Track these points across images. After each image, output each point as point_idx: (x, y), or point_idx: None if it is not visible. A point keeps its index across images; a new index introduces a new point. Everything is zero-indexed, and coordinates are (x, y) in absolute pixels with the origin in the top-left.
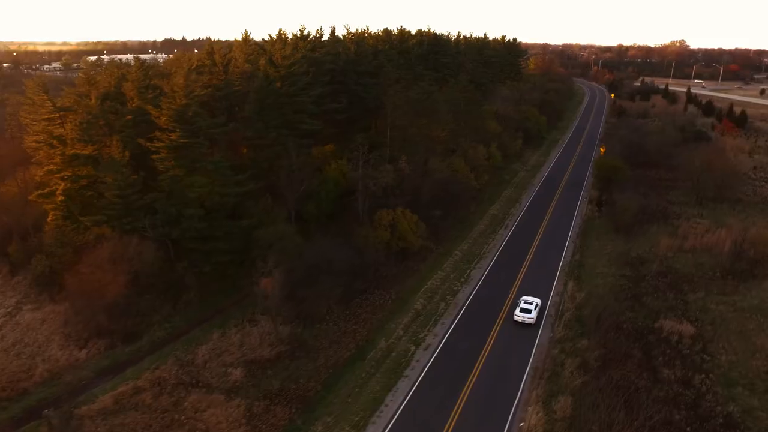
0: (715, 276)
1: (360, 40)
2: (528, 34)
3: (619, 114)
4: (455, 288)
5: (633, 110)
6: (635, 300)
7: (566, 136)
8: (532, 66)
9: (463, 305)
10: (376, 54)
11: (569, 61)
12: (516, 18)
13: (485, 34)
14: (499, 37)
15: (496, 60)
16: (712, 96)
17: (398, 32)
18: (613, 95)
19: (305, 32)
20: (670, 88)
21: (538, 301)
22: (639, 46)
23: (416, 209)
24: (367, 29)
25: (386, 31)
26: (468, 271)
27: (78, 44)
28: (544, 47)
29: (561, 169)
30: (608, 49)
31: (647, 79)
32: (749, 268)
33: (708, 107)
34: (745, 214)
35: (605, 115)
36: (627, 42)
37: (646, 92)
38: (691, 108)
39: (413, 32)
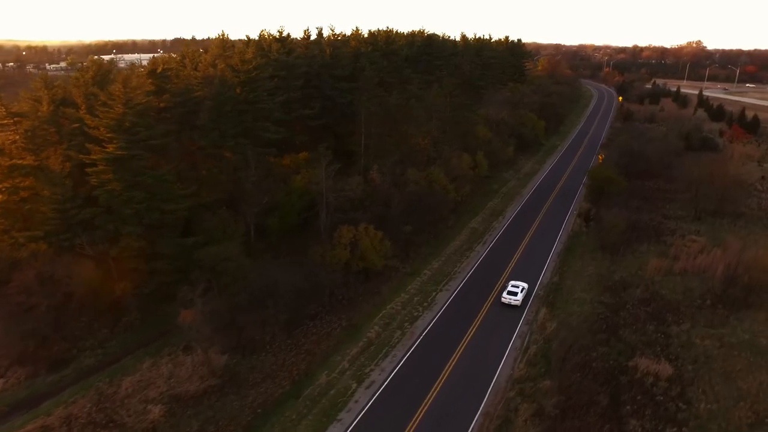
0: (704, 304)
1: (337, 43)
2: (542, 35)
3: (625, 118)
4: (416, 314)
5: (641, 114)
6: (611, 332)
7: (566, 142)
8: (540, 67)
9: (420, 334)
10: (358, 57)
11: (582, 62)
12: (530, 18)
13: (489, 35)
14: (506, 37)
15: (496, 61)
16: (726, 99)
17: (384, 33)
18: (621, 98)
19: (284, 34)
20: (683, 90)
21: (525, 285)
22: (654, 47)
23: (386, 224)
24: (357, 30)
25: (371, 33)
26: (434, 294)
27: (90, 43)
28: (557, 48)
29: (555, 177)
30: (622, 50)
31: (659, 81)
32: (743, 295)
33: (718, 111)
34: (747, 231)
35: (611, 119)
36: (643, 43)
37: (656, 95)
38: (702, 112)
39: (406, 33)
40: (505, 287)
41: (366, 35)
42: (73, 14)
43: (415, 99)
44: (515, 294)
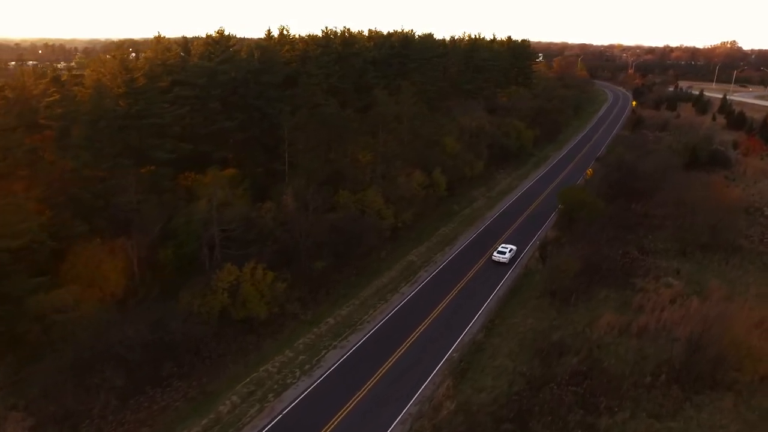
0: (657, 382)
1: (274, 46)
2: (569, 34)
3: (634, 125)
4: (289, 381)
5: (654, 121)
6: (519, 424)
7: (561, 153)
8: (554, 68)
9: (281, 413)
10: (305, 60)
11: (607, 63)
12: (557, 17)
13: (493, 35)
14: (508, 37)
15: (491, 63)
16: (755, 104)
17: (341, 34)
18: (634, 103)
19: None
20: (708, 94)
21: (514, 247)
22: (685, 48)
23: (295, 259)
24: (348, 29)
25: (324, 34)
26: (324, 352)
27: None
28: (584, 47)
29: (532, 196)
30: (651, 50)
31: (683, 84)
32: (710, 369)
33: (738, 118)
34: (741, 271)
35: (619, 127)
36: (676, 43)
37: (674, 99)
38: (722, 119)
39: (377, 33)
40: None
41: (320, 35)
42: (85, 12)
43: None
44: (504, 253)
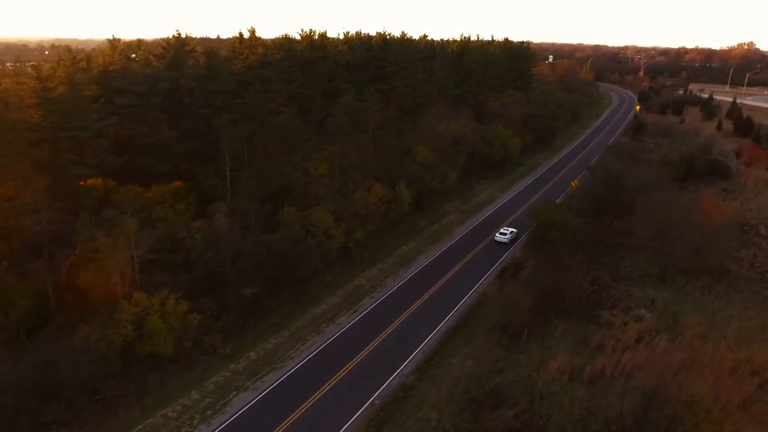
0: None
1: (212, 51)
2: (584, 36)
3: (634, 131)
4: (184, 430)
5: (657, 126)
6: None
7: (552, 161)
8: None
9: None
10: (264, 65)
11: (619, 66)
12: (570, 18)
13: (491, 37)
14: (505, 39)
15: (485, 67)
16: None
17: (306, 37)
18: (638, 107)
19: (182, 36)
20: (718, 97)
21: (515, 230)
22: (700, 49)
23: (222, 285)
24: (313, 32)
25: (286, 38)
26: (234, 394)
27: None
28: (596, 49)
29: (509, 210)
30: (665, 52)
31: (695, 87)
32: (667, 426)
33: (745, 125)
34: (725, 300)
35: (619, 133)
36: (691, 44)
37: (682, 104)
38: (729, 125)
39: (354, 35)
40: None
41: (281, 39)
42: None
43: (346, 115)
44: (505, 235)
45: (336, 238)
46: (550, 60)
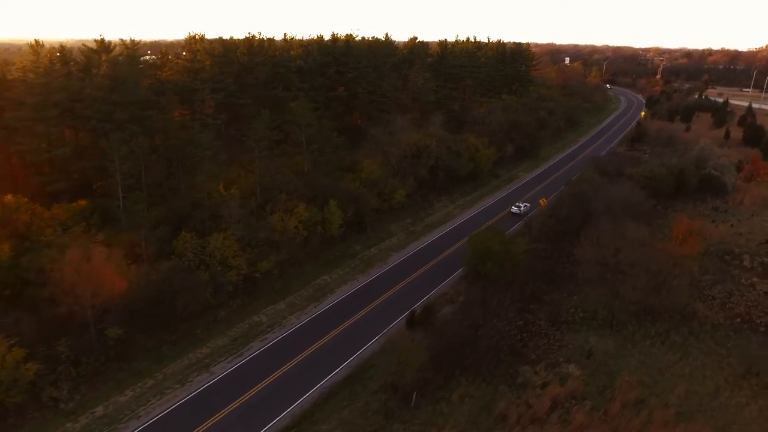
0: None
1: (116, 59)
2: (606, 37)
3: (632, 140)
4: None
5: (659, 135)
6: None
7: (533, 173)
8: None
9: None
10: (195, 71)
11: (637, 68)
12: (588, 20)
13: (488, 38)
14: (498, 41)
15: (472, 71)
16: None
17: (244, 41)
18: (643, 113)
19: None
20: (734, 102)
21: (528, 204)
22: (725, 50)
23: (82, 325)
24: (253, 36)
25: (221, 41)
26: None
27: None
28: (616, 51)
29: (465, 231)
30: (688, 54)
31: (714, 91)
32: None
33: (754, 133)
34: (680, 354)
35: (618, 141)
36: (717, 46)
37: (693, 109)
38: (739, 133)
39: (314, 38)
40: None
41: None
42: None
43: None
44: (519, 208)
45: (236, 268)
46: (566, 62)
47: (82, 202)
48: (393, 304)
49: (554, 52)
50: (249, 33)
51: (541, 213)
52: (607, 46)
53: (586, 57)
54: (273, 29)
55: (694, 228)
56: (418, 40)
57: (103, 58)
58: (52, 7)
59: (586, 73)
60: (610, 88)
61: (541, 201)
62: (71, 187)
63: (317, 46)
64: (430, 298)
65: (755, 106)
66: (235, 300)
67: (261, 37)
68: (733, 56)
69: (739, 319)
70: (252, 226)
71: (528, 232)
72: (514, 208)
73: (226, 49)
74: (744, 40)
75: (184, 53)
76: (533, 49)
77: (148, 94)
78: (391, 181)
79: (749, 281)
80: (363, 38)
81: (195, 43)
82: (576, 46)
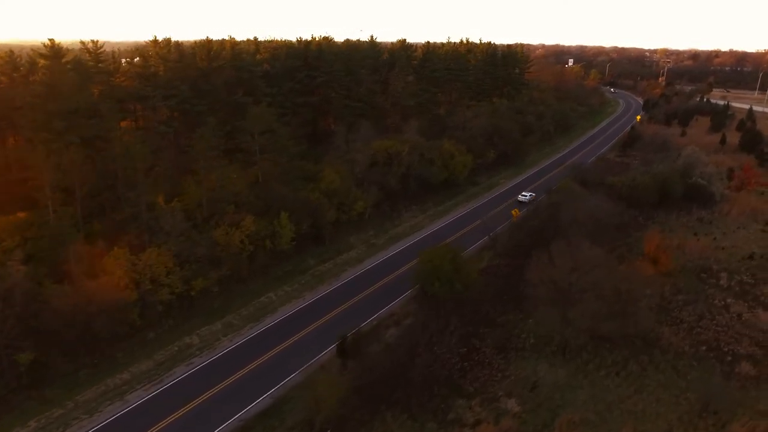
0: None
1: (50, 65)
2: (614, 38)
3: (624, 146)
4: None
5: (654, 140)
6: None
7: (514, 181)
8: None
9: None
10: (148, 78)
11: (642, 70)
12: (594, 21)
13: (480, 40)
14: (488, 43)
15: (459, 74)
16: None
17: (202, 45)
18: (639, 117)
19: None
20: (736, 105)
21: (534, 194)
22: (733, 52)
23: None
24: (210, 39)
25: (177, 45)
26: None
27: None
28: (621, 52)
29: (431, 243)
30: (695, 55)
31: (719, 93)
32: None
33: (751, 139)
34: (635, 387)
35: (609, 147)
36: (726, 47)
37: (692, 113)
38: (737, 138)
39: (280, 41)
40: None
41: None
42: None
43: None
44: (526, 196)
45: (170, 287)
46: (570, 64)
47: (21, 215)
48: (334, 325)
49: (558, 54)
50: (207, 36)
51: (513, 225)
52: (615, 47)
53: (591, 58)
54: (273, 31)
55: (668, 243)
56: (407, 42)
57: (41, 64)
58: (50, 7)
59: (586, 75)
60: (615, 92)
61: (513, 212)
62: (12, 199)
63: (286, 49)
64: (376, 319)
65: (759, 109)
66: (168, 320)
67: (223, 40)
68: (741, 58)
69: (705, 347)
70: (191, 241)
71: (493, 246)
72: (521, 197)
73: (182, 53)
74: (753, 42)
75: (136, 58)
76: (538, 51)
77: (93, 101)
78: (354, 191)
79: (723, 302)
80: (337, 41)
81: (151, 47)
82: (583, 47)
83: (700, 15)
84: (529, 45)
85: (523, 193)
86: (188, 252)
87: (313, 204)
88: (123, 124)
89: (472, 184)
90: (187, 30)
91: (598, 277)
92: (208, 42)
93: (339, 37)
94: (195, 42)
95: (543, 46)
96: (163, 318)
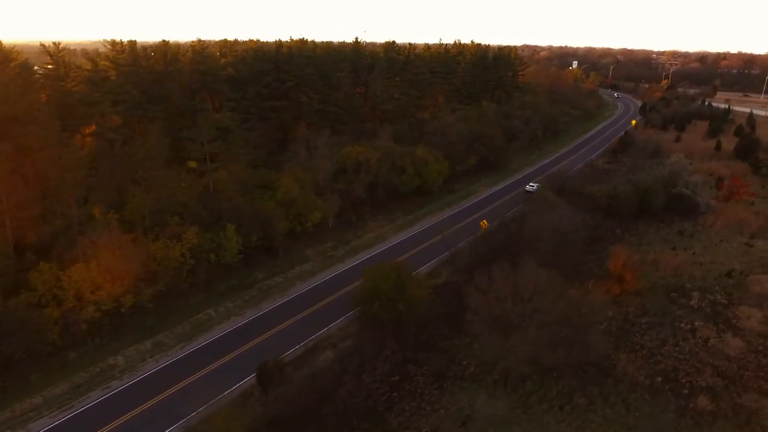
0: None
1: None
2: (618, 40)
3: (614, 152)
4: None
5: (647, 145)
6: None
7: (493, 189)
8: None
9: None
10: (97, 82)
11: (648, 72)
12: (607, 23)
13: (471, 41)
14: (477, 44)
15: (444, 77)
16: None
17: (158, 48)
18: (634, 122)
19: None
20: (740, 109)
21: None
22: (741, 54)
23: None
24: (166, 42)
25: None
26: None
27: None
28: (628, 54)
29: (392, 257)
30: (702, 57)
31: (724, 96)
32: None
33: (747, 145)
34: (578, 422)
35: (598, 154)
36: (735, 50)
37: (690, 117)
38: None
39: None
40: None
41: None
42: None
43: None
44: (533, 186)
45: (97, 304)
46: (574, 66)
47: None
48: (268, 347)
49: (563, 56)
50: (162, 39)
51: (478, 238)
52: (624, 49)
53: (596, 60)
54: (277, 33)
55: (643, 258)
56: (395, 44)
57: None
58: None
59: (586, 77)
60: (618, 96)
61: (482, 223)
62: None
63: (254, 52)
64: (314, 340)
65: (762, 113)
66: (94, 339)
67: (179, 43)
68: (749, 60)
69: (661, 378)
70: (125, 255)
71: (453, 261)
72: (528, 187)
73: (135, 56)
74: (762, 44)
75: (84, 62)
76: (542, 53)
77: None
78: (314, 200)
79: (690, 325)
80: (318, 42)
81: (109, 50)
82: (592, 49)
83: (711, 16)
84: (536, 47)
85: (531, 184)
86: (121, 266)
87: (265, 215)
88: (88, 130)
89: (448, 192)
90: (186, 31)
91: (541, 303)
92: (164, 44)
93: (345, 39)
94: (151, 45)
95: (550, 47)
96: (88, 337)
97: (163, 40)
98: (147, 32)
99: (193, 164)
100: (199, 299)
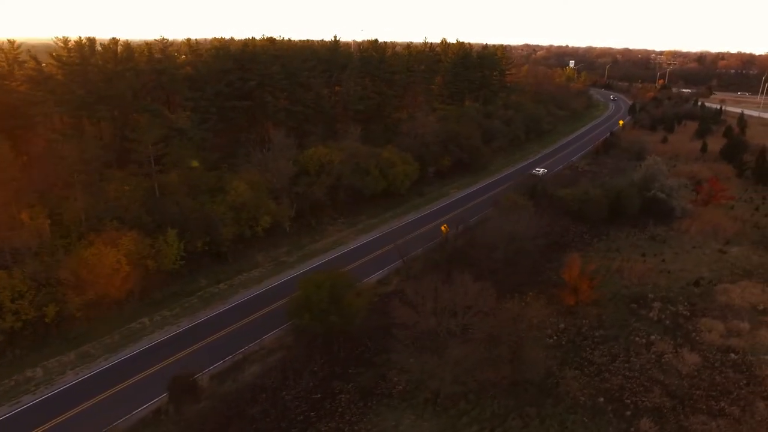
0: None
1: None
2: (618, 40)
3: (597, 153)
4: None
5: (632, 147)
6: None
7: (465, 191)
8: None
9: None
10: (40, 82)
11: (646, 72)
12: (607, 23)
13: (456, 40)
14: (461, 43)
15: (424, 76)
16: None
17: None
18: (621, 122)
19: None
20: (733, 110)
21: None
22: (739, 54)
23: None
24: (116, 40)
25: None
26: None
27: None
28: (626, 53)
29: (345, 262)
30: (700, 57)
31: (721, 97)
32: None
33: (734, 147)
34: None
35: (582, 155)
36: (735, 50)
37: (678, 118)
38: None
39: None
40: None
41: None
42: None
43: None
44: (539, 171)
45: (17, 313)
46: (571, 66)
47: None
48: (195, 359)
49: (561, 55)
50: (112, 38)
51: (436, 244)
52: (626, 48)
53: (593, 60)
54: (275, 31)
55: (608, 266)
56: (378, 42)
57: None
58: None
59: (578, 77)
60: (614, 98)
61: (443, 227)
62: None
63: (215, 50)
64: (244, 352)
65: (755, 114)
66: (14, 350)
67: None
68: (747, 60)
69: (603, 398)
70: (53, 262)
71: (406, 269)
72: (534, 171)
73: (83, 55)
74: (761, 44)
75: (26, 60)
76: (539, 53)
77: None
78: (266, 203)
79: (646, 339)
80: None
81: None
82: (592, 48)
83: (710, 16)
84: (536, 46)
85: (537, 168)
86: (47, 274)
87: (212, 219)
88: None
89: (417, 195)
90: (185, 31)
91: (472, 318)
92: (114, 43)
93: (346, 38)
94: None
95: (550, 47)
96: (8, 348)
97: (113, 39)
98: (147, 32)
99: (133, 167)
100: (133, 308)
